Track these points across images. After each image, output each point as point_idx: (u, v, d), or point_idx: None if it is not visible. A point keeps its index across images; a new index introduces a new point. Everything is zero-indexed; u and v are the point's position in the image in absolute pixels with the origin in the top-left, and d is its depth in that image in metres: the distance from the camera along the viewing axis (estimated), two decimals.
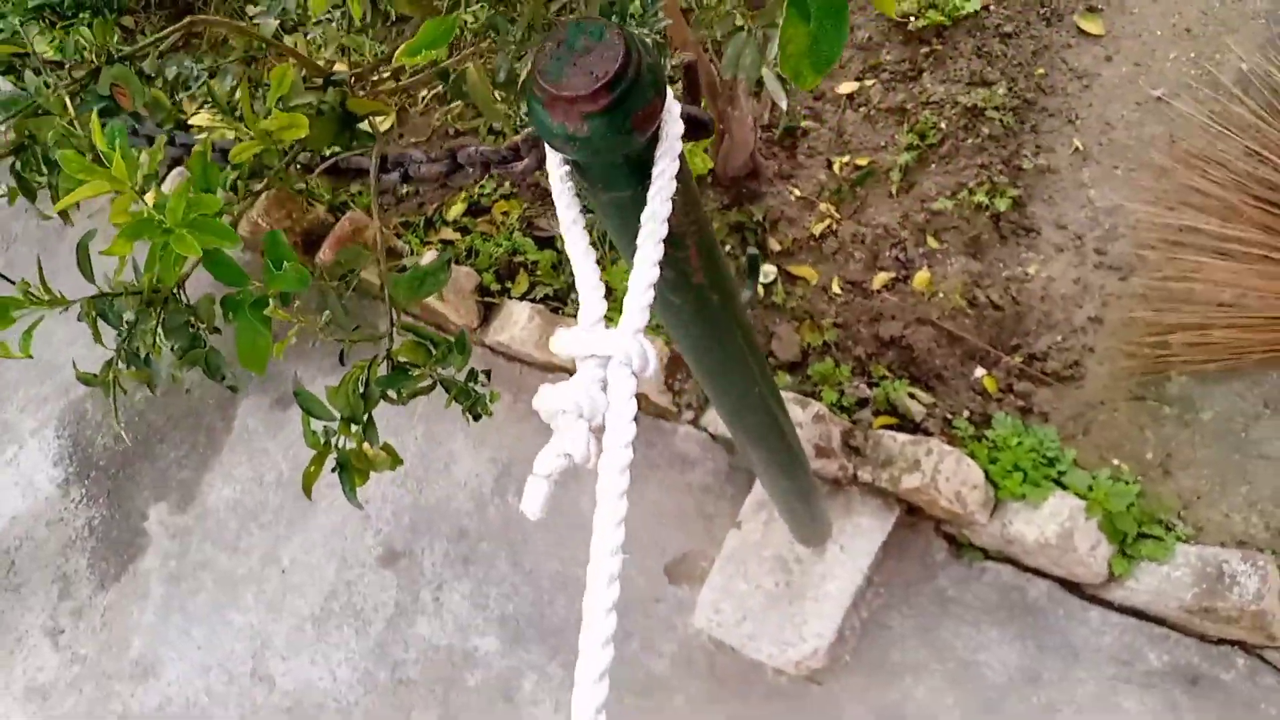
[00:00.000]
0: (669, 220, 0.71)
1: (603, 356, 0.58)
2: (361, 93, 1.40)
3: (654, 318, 0.82)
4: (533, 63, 0.59)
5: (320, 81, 1.31)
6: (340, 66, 1.50)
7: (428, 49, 0.76)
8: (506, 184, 2.49)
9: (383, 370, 1.14)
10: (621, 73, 0.57)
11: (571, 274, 2.33)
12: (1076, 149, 2.12)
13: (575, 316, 2.22)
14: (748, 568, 1.94)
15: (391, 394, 1.14)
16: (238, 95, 1.24)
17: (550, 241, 2.39)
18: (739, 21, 1.36)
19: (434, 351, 1.11)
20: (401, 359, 1.13)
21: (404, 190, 2.65)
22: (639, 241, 0.62)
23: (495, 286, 2.35)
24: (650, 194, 0.65)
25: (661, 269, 0.76)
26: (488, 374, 1.11)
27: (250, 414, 2.53)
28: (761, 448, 1.24)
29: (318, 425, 1.18)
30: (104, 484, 2.58)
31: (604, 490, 0.55)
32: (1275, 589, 1.62)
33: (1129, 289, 1.99)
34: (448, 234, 2.47)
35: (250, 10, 1.48)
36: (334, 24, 1.40)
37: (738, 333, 0.91)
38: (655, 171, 0.65)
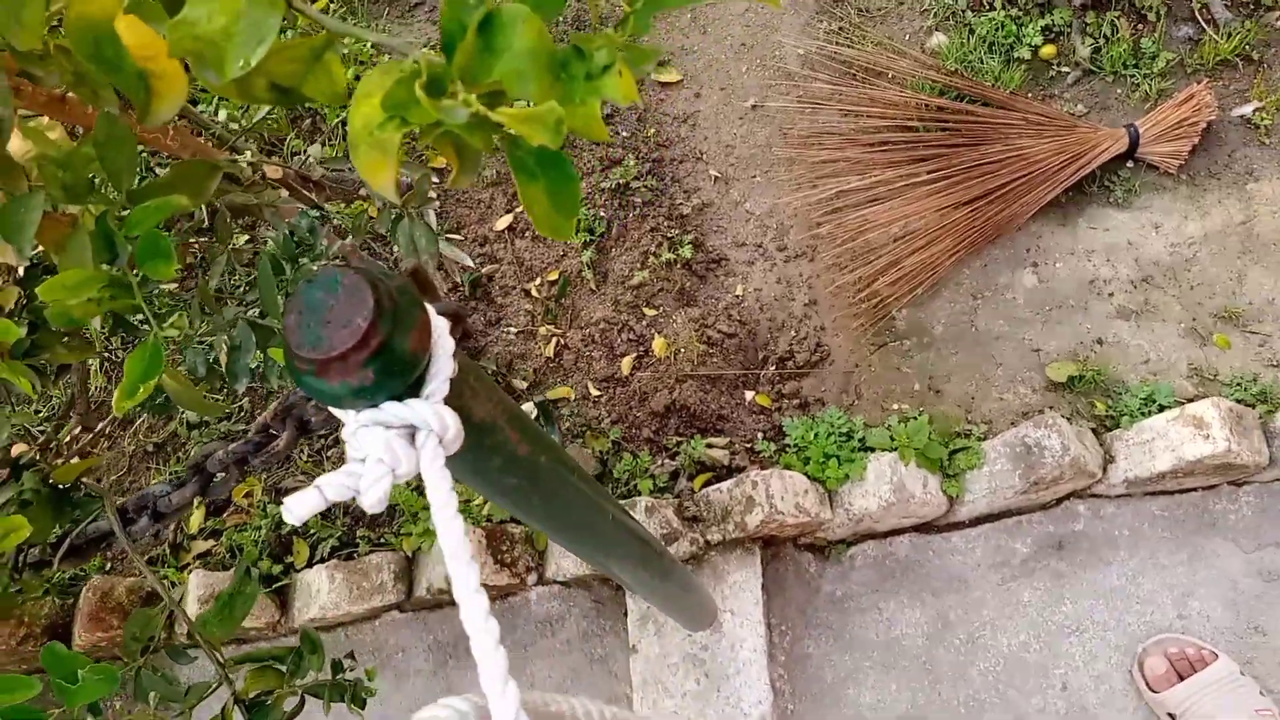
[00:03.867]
0: (475, 413, 0.70)
1: (403, 427, 0.58)
2: (59, 460, 1.27)
3: (498, 513, 0.80)
4: (285, 342, 0.57)
5: (6, 474, 1.18)
6: (20, 448, 1.36)
7: (144, 382, 0.70)
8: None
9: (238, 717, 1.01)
10: (379, 304, 0.56)
11: (350, 517, 2.21)
12: (716, 178, 2.32)
13: (372, 555, 2.11)
14: (665, 683, 1.90)
15: None
16: None
17: None
18: (396, 210, 1.38)
19: (284, 668, 1.01)
20: (252, 694, 1.02)
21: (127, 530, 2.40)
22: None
23: (277, 569, 2.18)
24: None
25: (491, 458, 0.75)
26: (351, 655, 1.03)
27: None
28: (635, 565, 1.23)
29: None
30: None
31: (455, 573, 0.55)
32: (1072, 434, 1.82)
33: (821, 265, 2.19)
34: (201, 547, 2.27)
35: None
36: None
37: (573, 477, 0.91)
38: (428, 385, 0.64)
